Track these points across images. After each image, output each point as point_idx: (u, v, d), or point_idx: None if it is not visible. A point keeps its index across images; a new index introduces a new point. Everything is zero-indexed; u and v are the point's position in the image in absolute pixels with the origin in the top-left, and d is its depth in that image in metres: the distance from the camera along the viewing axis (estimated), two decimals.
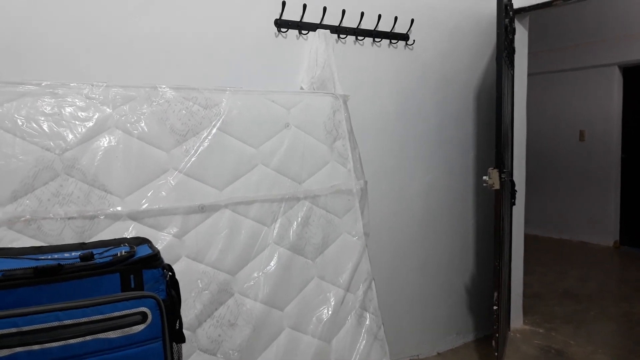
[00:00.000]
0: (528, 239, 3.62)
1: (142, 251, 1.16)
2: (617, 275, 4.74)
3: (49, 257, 1.11)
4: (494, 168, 2.45)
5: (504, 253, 2.67)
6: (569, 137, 6.01)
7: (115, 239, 1.32)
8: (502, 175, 2.46)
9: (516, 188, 2.68)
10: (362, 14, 2.47)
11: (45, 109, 1.58)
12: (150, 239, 1.64)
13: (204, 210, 1.82)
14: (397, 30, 2.64)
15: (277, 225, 1.99)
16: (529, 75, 3.38)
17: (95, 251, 1.12)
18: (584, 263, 5.08)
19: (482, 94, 3.12)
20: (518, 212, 3.26)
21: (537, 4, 2.98)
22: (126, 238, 1.34)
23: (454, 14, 2.90)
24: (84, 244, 1.27)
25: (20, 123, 1.53)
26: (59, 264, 1.01)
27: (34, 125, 1.55)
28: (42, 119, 1.57)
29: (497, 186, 2.43)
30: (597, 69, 5.70)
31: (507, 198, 2.65)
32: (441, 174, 2.94)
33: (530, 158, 3.57)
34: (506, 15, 2.58)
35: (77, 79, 1.71)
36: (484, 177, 2.46)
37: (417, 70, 2.78)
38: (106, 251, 1.14)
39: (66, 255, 1.13)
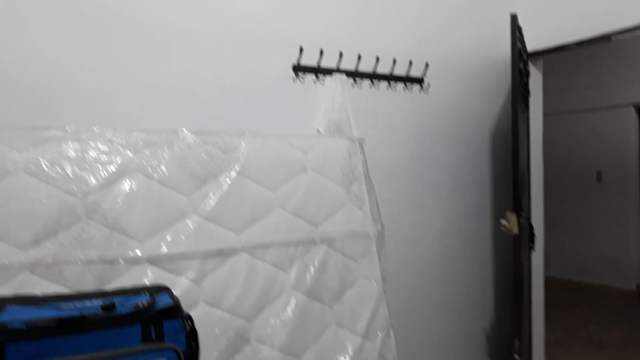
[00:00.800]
0: (547, 281, 3.55)
1: (162, 300, 1.15)
2: None
3: (71, 305, 1.11)
4: (512, 212, 2.42)
5: (524, 300, 2.61)
6: (586, 177, 5.97)
7: (135, 287, 1.32)
8: (521, 219, 2.43)
9: (535, 232, 2.65)
10: (378, 58, 2.52)
11: (70, 153, 1.61)
12: (168, 283, 1.65)
13: (222, 254, 1.82)
14: (412, 74, 2.68)
15: (294, 269, 1.98)
16: (545, 115, 3.39)
17: (116, 300, 1.12)
18: (606, 308, 4.95)
19: (498, 136, 3.12)
20: (537, 256, 3.21)
21: (551, 48, 3.01)
22: (146, 286, 1.34)
23: (468, 57, 2.94)
24: (105, 292, 1.27)
25: (44, 167, 1.56)
26: (82, 315, 1.01)
27: (58, 169, 1.58)
28: (66, 163, 1.60)
29: (515, 231, 2.40)
30: (613, 110, 5.70)
31: (525, 243, 2.62)
32: (458, 216, 2.92)
33: (548, 199, 3.54)
34: (520, 60, 2.61)
35: (101, 123, 1.75)
36: (502, 221, 2.43)
37: (432, 113, 2.81)
38: (127, 300, 1.14)
39: (88, 304, 1.13)
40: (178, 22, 1.99)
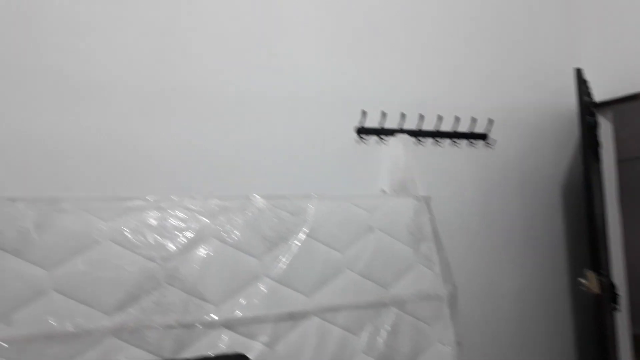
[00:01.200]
0: (636, 340, 3.27)
1: None
2: None
3: None
4: (591, 270, 2.30)
5: None
6: None
7: (217, 356, 1.34)
8: (601, 278, 2.30)
9: (618, 291, 2.49)
10: (440, 117, 2.53)
11: (151, 221, 1.70)
12: (243, 348, 1.68)
13: (294, 317, 1.82)
14: (476, 130, 2.67)
15: (366, 333, 1.95)
16: (619, 162, 3.24)
17: None
18: None
19: (568, 189, 3.02)
20: (622, 315, 2.99)
21: (620, 98, 2.93)
22: (227, 355, 1.36)
23: (533, 111, 2.91)
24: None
25: (128, 235, 1.65)
26: None
27: (140, 237, 1.67)
28: (148, 230, 1.69)
29: (596, 290, 2.27)
30: None
31: (608, 303, 2.46)
32: (532, 274, 2.80)
33: (629, 250, 3.33)
34: (588, 112, 2.55)
35: (178, 192, 1.84)
36: (581, 280, 2.31)
37: (499, 168, 2.76)
38: None
39: None
40: (250, 91, 2.11)
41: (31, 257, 1.51)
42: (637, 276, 5.58)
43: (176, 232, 1.73)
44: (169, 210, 1.75)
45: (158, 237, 1.69)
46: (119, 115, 1.85)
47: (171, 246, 1.70)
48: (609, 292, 2.46)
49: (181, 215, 1.76)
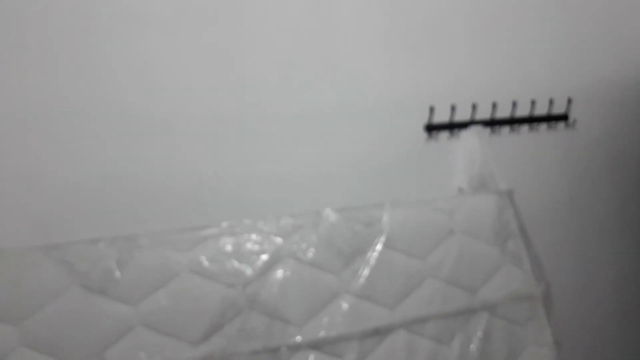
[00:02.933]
0: None
1: None
2: None
3: None
4: None
5: None
6: None
7: None
8: None
9: None
10: (514, 103, 2.37)
11: (227, 248, 1.69)
12: None
13: (379, 332, 1.76)
14: (554, 111, 2.47)
15: (456, 342, 1.85)
16: None
17: None
18: None
19: None
20: None
21: None
22: None
23: (614, 86, 2.65)
24: None
25: (206, 265, 1.65)
26: None
27: (218, 264, 1.66)
28: (225, 257, 1.68)
29: None
30: None
31: None
32: (632, 261, 2.57)
33: None
34: None
35: (251, 214, 1.82)
36: None
37: (584, 150, 2.55)
38: None
39: None
40: (310, 105, 2.05)
41: (116, 294, 1.54)
42: None
43: (252, 256, 1.71)
44: (244, 235, 1.74)
45: (236, 263, 1.68)
46: (183, 145, 1.86)
47: (249, 270, 1.69)
48: None
49: (256, 238, 1.74)
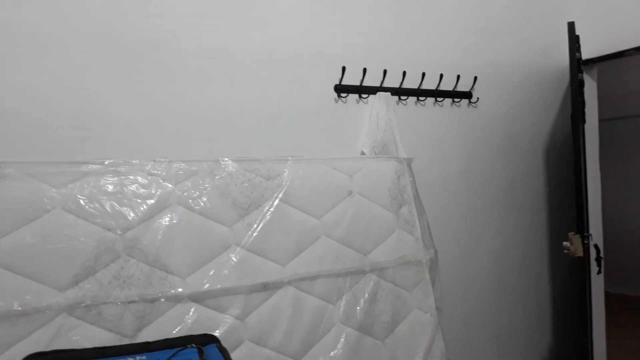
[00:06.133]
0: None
1: (212, 355, 1.05)
2: None
3: None
4: (575, 233, 2.24)
5: (594, 329, 2.40)
6: None
7: (181, 338, 1.22)
8: (585, 241, 2.24)
9: (602, 254, 2.45)
10: (423, 74, 2.39)
11: (108, 187, 1.54)
12: (212, 322, 1.57)
13: (267, 288, 1.71)
14: (459, 88, 2.53)
15: (343, 302, 1.85)
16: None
17: (161, 357, 1.02)
18: None
19: (553, 149, 2.94)
20: (598, 275, 2.98)
21: (608, 55, 2.82)
22: (193, 336, 1.23)
23: (517, 69, 2.78)
24: (148, 343, 1.17)
25: (82, 203, 1.49)
26: None
27: (97, 205, 1.51)
28: (105, 198, 1.53)
29: (580, 253, 2.21)
30: None
31: (591, 266, 2.41)
32: (512, 237, 2.74)
33: (604, 212, 3.30)
34: (578, 70, 2.43)
35: (140, 155, 1.68)
36: (565, 243, 2.25)
37: (482, 128, 2.65)
38: (174, 356, 1.03)
39: None
40: (215, 47, 1.92)
41: None
42: (611, 237, 5.65)
43: (137, 200, 1.57)
44: (129, 176, 1.59)
45: (116, 205, 1.54)
46: (73, 69, 1.65)
47: (131, 214, 1.55)
48: (593, 255, 2.41)
49: (142, 180, 1.60)
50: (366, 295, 1.91)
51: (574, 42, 2.24)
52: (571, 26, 2.26)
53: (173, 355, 1.06)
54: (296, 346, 1.71)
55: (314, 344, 1.75)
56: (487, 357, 2.61)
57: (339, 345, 1.79)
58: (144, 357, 1.03)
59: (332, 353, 1.77)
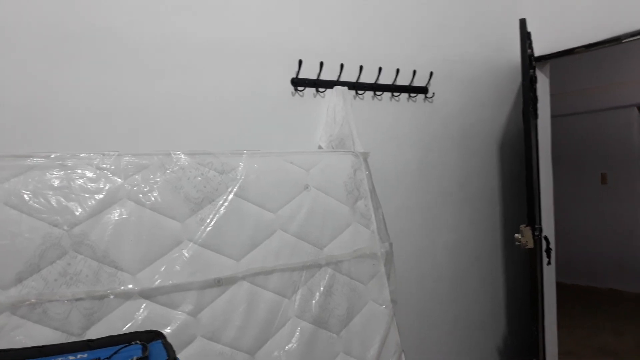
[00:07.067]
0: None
1: (156, 352, 1.03)
2: None
3: None
4: (526, 225, 2.31)
5: (545, 318, 2.49)
6: (590, 180, 5.84)
7: (125, 335, 1.19)
8: (535, 233, 2.31)
9: (551, 246, 2.53)
10: (380, 69, 2.40)
11: (54, 182, 1.49)
12: (163, 318, 1.54)
13: (221, 283, 1.70)
14: (416, 83, 2.56)
15: (298, 296, 1.86)
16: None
17: (103, 355, 0.99)
18: (616, 313, 4.82)
19: (506, 144, 3.01)
20: (550, 267, 3.08)
21: (559, 52, 2.90)
22: (137, 333, 1.21)
23: (472, 65, 2.83)
24: (90, 341, 1.15)
25: (27, 198, 1.44)
26: None
27: (42, 200, 1.46)
28: (50, 193, 1.48)
29: (530, 245, 2.28)
30: (616, 111, 5.59)
31: (541, 257, 2.49)
32: (468, 230, 2.81)
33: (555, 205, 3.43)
34: (530, 66, 2.50)
35: (88, 148, 1.63)
36: (516, 235, 2.32)
37: (438, 123, 2.69)
38: (116, 353, 1.01)
39: (71, 359, 1.00)
40: (171, 38, 1.88)
41: None
42: (561, 229, 5.84)
43: (84, 194, 1.53)
44: (77, 170, 1.54)
45: (62, 200, 1.49)
46: (15, 58, 1.59)
47: (79, 210, 1.50)
48: (544, 246, 2.49)
49: (90, 175, 1.56)
50: (322, 289, 1.91)
51: (525, 38, 2.30)
52: (522, 23, 2.32)
53: (115, 353, 1.04)
54: (250, 341, 1.70)
55: (268, 338, 1.75)
56: (442, 348, 2.67)
57: (294, 339, 1.79)
58: (85, 355, 1.00)
59: (287, 347, 1.77)
